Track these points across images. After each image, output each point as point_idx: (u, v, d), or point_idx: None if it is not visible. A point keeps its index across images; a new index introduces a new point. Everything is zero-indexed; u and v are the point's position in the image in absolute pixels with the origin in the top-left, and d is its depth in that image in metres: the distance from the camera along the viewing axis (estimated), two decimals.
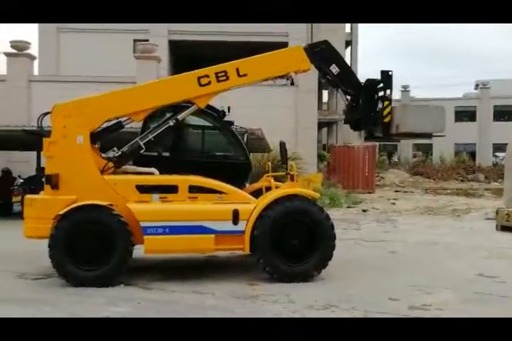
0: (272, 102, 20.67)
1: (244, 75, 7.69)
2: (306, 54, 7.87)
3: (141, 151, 7.63)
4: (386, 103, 7.99)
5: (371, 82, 8.09)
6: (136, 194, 7.35)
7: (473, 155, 46.23)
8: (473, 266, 8.53)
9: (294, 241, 7.32)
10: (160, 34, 23.52)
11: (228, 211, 7.21)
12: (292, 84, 8.52)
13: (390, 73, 8.05)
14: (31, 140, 12.49)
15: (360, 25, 33.61)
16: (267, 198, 7.41)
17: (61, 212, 6.87)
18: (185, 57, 25.14)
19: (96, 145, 7.76)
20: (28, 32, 33.78)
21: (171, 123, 7.67)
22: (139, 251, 7.32)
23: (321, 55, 7.97)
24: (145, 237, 7.03)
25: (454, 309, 6.06)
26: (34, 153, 16.76)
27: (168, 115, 7.90)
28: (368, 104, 8.05)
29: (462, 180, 37.32)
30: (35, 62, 21.97)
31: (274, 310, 5.91)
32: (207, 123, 8.22)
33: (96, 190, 7.20)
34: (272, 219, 7.18)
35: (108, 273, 6.93)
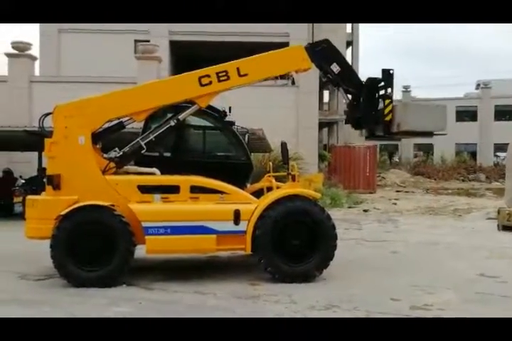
0: (273, 102, 20.67)
1: (245, 75, 7.69)
2: (306, 53, 7.87)
3: (143, 151, 7.64)
4: (387, 101, 7.99)
5: (372, 81, 8.10)
6: (138, 194, 7.35)
7: (474, 155, 46.19)
8: (474, 266, 8.53)
9: (296, 242, 7.32)
10: (161, 35, 23.57)
11: (229, 211, 7.21)
12: (293, 83, 8.53)
13: (391, 72, 8.06)
14: (32, 140, 12.51)
15: (360, 25, 33.64)
16: (268, 198, 7.41)
17: (63, 213, 6.87)
18: (185, 58, 25.16)
19: (97, 146, 7.77)
20: (28, 32, 33.88)
21: (172, 123, 7.68)
22: (140, 252, 7.32)
23: (322, 53, 7.97)
24: (147, 237, 7.04)
25: (455, 309, 6.06)
26: (35, 154, 16.79)
27: (169, 115, 7.89)
28: (369, 102, 8.05)
29: (463, 180, 37.28)
30: (36, 63, 22.03)
31: (276, 310, 5.91)
32: (208, 124, 8.22)
33: (97, 190, 7.20)
34: (273, 219, 7.18)
35: (110, 274, 6.93)
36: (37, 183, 13.96)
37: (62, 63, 23.69)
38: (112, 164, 7.49)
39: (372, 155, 27.43)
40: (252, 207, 7.32)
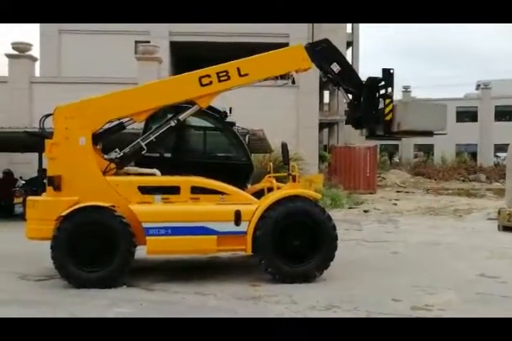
0: (273, 103, 20.68)
1: (246, 75, 7.69)
2: (306, 53, 7.87)
3: (143, 152, 7.64)
4: (387, 101, 7.99)
5: (372, 80, 8.10)
6: (138, 195, 7.35)
7: (474, 155, 46.18)
8: (475, 267, 8.53)
9: (296, 242, 7.32)
10: (161, 35, 23.56)
11: (230, 212, 7.21)
12: (293, 82, 8.51)
13: (392, 71, 8.06)
14: (33, 141, 12.52)
15: (360, 25, 33.65)
16: (269, 199, 7.41)
17: (63, 214, 6.87)
18: (186, 58, 25.16)
19: (98, 147, 7.77)
20: (28, 33, 33.90)
21: (173, 123, 7.67)
22: (141, 252, 7.32)
23: (322, 53, 7.97)
24: (147, 238, 7.04)
25: (456, 309, 6.06)
26: (36, 155, 16.77)
27: (169, 116, 7.89)
28: (369, 102, 8.05)
29: (464, 181, 37.28)
30: (37, 64, 22.02)
31: (277, 311, 5.91)
32: (208, 124, 8.21)
33: (98, 191, 7.20)
34: (273, 219, 7.18)
35: (110, 275, 6.93)
36: (37, 184, 13.99)
37: (63, 64, 23.69)
38: (113, 165, 7.49)
39: (372, 156, 27.44)
40: (252, 207, 7.31)
